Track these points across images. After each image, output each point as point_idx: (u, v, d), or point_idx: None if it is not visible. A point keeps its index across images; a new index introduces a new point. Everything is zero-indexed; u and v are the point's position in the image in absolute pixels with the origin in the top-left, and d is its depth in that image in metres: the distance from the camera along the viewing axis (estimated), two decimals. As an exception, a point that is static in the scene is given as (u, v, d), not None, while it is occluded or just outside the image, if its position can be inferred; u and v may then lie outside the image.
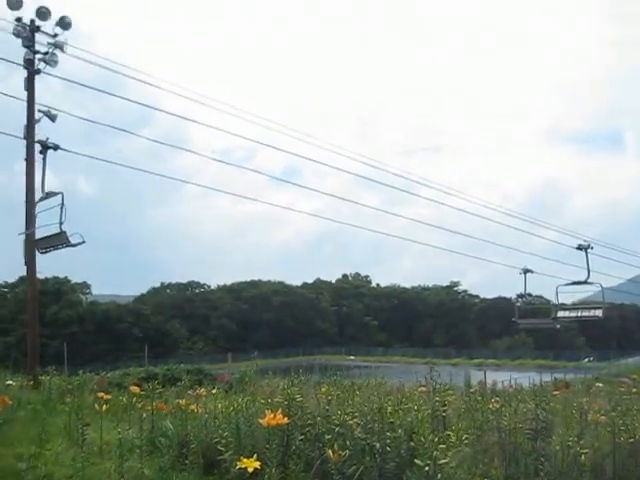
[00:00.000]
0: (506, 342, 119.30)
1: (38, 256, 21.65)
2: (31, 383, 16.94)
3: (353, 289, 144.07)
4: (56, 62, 22.31)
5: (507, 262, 39.10)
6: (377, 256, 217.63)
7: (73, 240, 20.75)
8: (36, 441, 7.92)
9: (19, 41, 21.92)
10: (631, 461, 6.74)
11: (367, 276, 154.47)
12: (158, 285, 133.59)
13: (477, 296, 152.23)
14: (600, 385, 19.32)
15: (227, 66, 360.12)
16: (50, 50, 22.26)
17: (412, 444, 5.70)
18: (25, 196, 21.37)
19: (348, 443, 6.08)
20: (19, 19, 22.03)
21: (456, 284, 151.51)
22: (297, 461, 6.03)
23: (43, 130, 22.06)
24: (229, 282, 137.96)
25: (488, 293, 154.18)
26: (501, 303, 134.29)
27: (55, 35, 22.49)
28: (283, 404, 6.75)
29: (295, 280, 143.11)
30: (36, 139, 21.63)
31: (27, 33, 21.87)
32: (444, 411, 7.22)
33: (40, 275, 23.70)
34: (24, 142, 21.67)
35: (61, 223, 20.58)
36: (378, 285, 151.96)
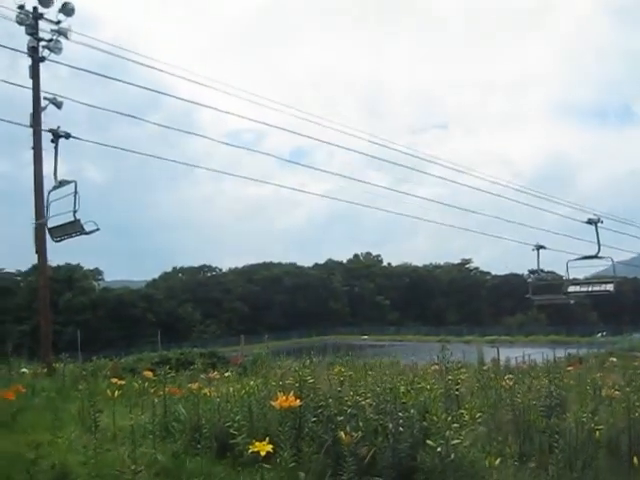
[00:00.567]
0: (519, 318, 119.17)
1: (51, 244, 21.68)
2: (45, 371, 16.97)
3: (364, 269, 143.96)
4: (60, 49, 22.21)
5: (518, 238, 38.94)
6: (388, 235, 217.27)
7: (87, 228, 20.77)
8: (50, 428, 7.96)
9: (23, 29, 21.82)
10: (646, 436, 6.71)
11: (378, 255, 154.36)
12: (170, 270, 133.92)
13: (489, 273, 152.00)
14: (614, 360, 19.26)
15: (230, 48, 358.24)
16: (54, 37, 22.15)
17: (425, 424, 5.68)
18: (33, 184, 21.34)
19: (360, 424, 6.06)
20: (22, 6, 21.91)
21: (468, 261, 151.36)
22: (310, 443, 6.01)
23: (49, 118, 22.00)
24: (241, 265, 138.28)
25: (500, 270, 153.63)
26: (513, 279, 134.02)
27: (58, 22, 22.38)
28: (295, 386, 6.73)
29: (306, 261, 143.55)
30: (43, 127, 21.60)
31: (30, 20, 21.76)
32: (457, 390, 7.19)
33: (52, 262, 23.71)
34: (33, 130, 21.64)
35: (75, 211, 20.61)
36: (389, 264, 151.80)
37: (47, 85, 22.49)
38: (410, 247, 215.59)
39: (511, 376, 9.97)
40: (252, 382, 7.53)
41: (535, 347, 56.10)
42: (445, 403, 6.69)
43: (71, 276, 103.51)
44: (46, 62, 22.23)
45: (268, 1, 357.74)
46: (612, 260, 35.04)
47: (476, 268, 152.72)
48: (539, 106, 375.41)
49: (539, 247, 35.38)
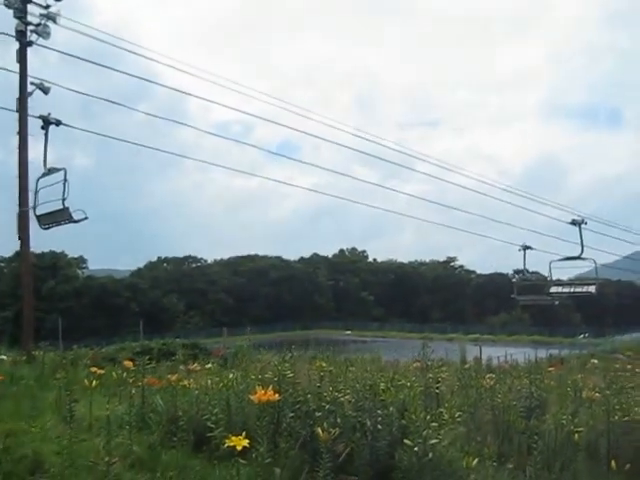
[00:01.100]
0: (502, 318, 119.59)
1: (35, 230, 21.52)
2: (24, 358, 16.84)
3: (350, 264, 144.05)
4: (49, 34, 21.97)
5: (503, 238, 39.05)
6: (374, 231, 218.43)
7: (76, 216, 20.69)
8: (26, 417, 7.87)
9: (11, 12, 21.57)
10: (625, 440, 6.69)
11: (364, 251, 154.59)
12: (155, 259, 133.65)
13: (474, 272, 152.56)
14: (595, 362, 19.33)
15: (221, 40, 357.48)
16: (42, 21, 21.92)
17: (404, 422, 5.63)
18: (18, 170, 21.14)
19: (339, 421, 6.01)
20: (10, -11, 21.66)
21: (453, 259, 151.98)
22: (287, 439, 5.96)
23: (36, 103, 21.80)
24: (226, 256, 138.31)
25: (484, 269, 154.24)
26: (497, 279, 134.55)
27: (47, 6, 22.14)
28: (274, 380, 6.67)
29: (292, 255, 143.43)
30: (32, 113, 21.43)
31: (18, 4, 21.50)
32: (437, 388, 7.15)
33: (36, 250, 23.58)
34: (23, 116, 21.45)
35: (64, 199, 20.51)
36: (375, 260, 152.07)
37: (37, 71, 22.30)
38: (396, 243, 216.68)
39: (492, 375, 9.95)
40: (231, 375, 7.46)
41: (517, 347, 56.26)
42: (425, 401, 6.65)
43: (55, 263, 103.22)
44: (36, 48, 22.02)
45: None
46: (594, 262, 35.18)
47: (461, 266, 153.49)
48: (529, 106, 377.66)
49: (526, 247, 35.48)
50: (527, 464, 5.96)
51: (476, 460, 5.20)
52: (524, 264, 37.57)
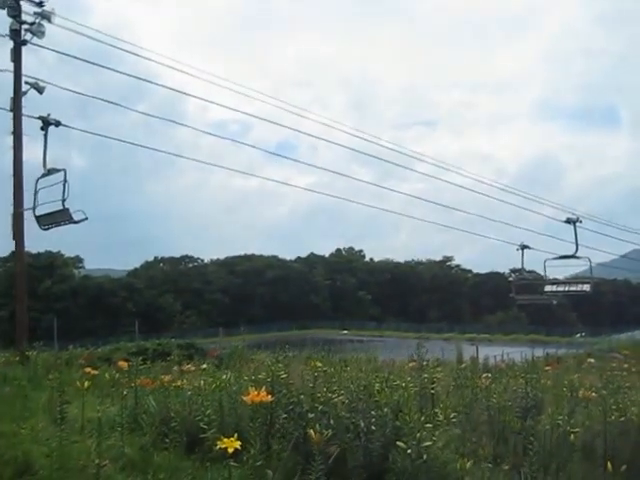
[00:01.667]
0: (499, 317, 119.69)
1: (31, 230, 21.46)
2: (17, 359, 16.76)
3: (346, 263, 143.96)
4: (43, 33, 21.87)
5: (501, 237, 39.01)
6: (371, 231, 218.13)
7: (76, 217, 20.66)
8: (18, 418, 7.80)
9: (5, 11, 21.47)
10: (622, 440, 6.63)
11: (361, 250, 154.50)
12: (151, 259, 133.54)
13: (470, 271, 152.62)
14: (592, 361, 19.27)
15: (218, 40, 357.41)
16: (37, 20, 21.82)
17: (398, 423, 5.57)
18: (13, 170, 21.05)
19: (332, 422, 5.95)
20: (4, -12, 21.56)
21: (449, 259, 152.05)
22: (280, 440, 5.89)
23: (31, 103, 21.73)
24: (223, 256, 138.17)
25: (481, 268, 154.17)
26: (494, 278, 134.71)
27: (42, 5, 22.04)
28: (267, 381, 6.60)
29: (289, 254, 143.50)
30: (27, 113, 21.36)
31: (12, 2, 21.41)
32: (432, 388, 7.09)
33: (32, 250, 23.55)
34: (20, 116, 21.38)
35: (64, 200, 20.47)
36: (371, 259, 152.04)
37: (34, 72, 22.22)
38: (392, 243, 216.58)
39: (489, 375, 9.90)
40: (224, 376, 7.39)
41: (514, 346, 56.21)
42: (420, 402, 6.59)
43: (51, 263, 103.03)
44: (33, 49, 21.94)
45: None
46: (589, 260, 35.11)
47: (457, 266, 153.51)
48: (525, 106, 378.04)
49: (524, 247, 35.38)
50: (523, 465, 5.91)
51: (471, 462, 5.14)
52: (522, 264, 37.51)
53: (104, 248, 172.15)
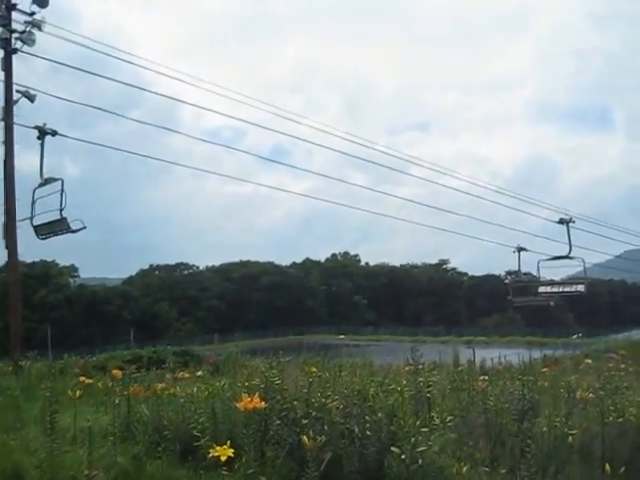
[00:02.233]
0: (495, 319, 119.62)
1: (25, 240, 21.41)
2: (10, 368, 16.67)
3: (342, 268, 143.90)
4: (33, 41, 21.80)
5: (496, 239, 38.99)
6: (366, 235, 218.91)
7: (74, 226, 20.60)
8: (10, 429, 7.71)
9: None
10: (620, 441, 6.55)
11: (356, 255, 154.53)
12: (147, 267, 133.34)
13: (466, 274, 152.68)
14: (589, 362, 19.22)
15: (212, 46, 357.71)
16: (27, 29, 21.74)
17: (393, 428, 5.49)
18: (4, 179, 20.99)
19: (326, 428, 5.87)
20: (-7, -3, 21.50)
21: (445, 262, 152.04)
22: (275, 447, 5.82)
23: (23, 112, 21.66)
24: (218, 263, 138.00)
25: (477, 270, 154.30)
26: (490, 280, 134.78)
27: (32, 13, 21.96)
28: (261, 387, 6.52)
29: (284, 260, 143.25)
30: (21, 122, 21.31)
31: (2, 11, 21.35)
32: (428, 392, 7.01)
33: (27, 259, 23.50)
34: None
35: (62, 209, 20.41)
36: (367, 264, 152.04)
37: (25, 80, 22.14)
38: (388, 247, 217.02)
39: (485, 377, 9.83)
40: (217, 383, 7.31)
41: (511, 348, 56.11)
42: (415, 406, 6.51)
43: (46, 272, 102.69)
44: (23, 57, 21.87)
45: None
46: (583, 261, 35.04)
47: (453, 269, 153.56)
48: (519, 108, 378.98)
49: (520, 249, 35.30)
50: (520, 468, 5.83)
51: (468, 466, 5.08)
52: (519, 266, 37.37)
53: (99, 257, 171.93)
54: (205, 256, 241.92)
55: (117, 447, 6.65)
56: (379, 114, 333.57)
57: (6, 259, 21.78)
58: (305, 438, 5.22)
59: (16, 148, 21.35)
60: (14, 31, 21.60)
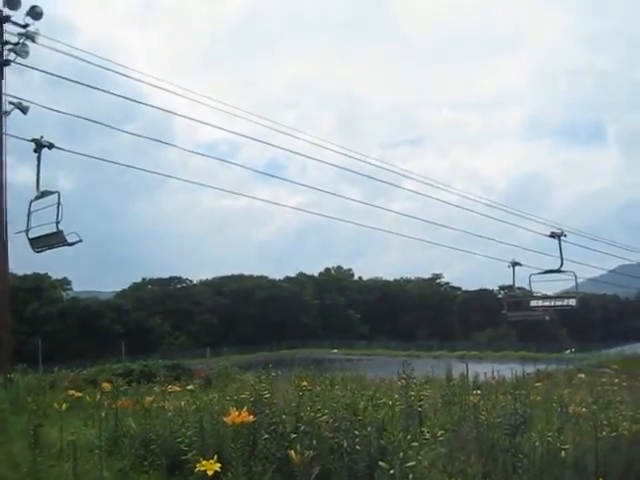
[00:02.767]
0: (489, 334, 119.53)
1: (16, 252, 21.29)
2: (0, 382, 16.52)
3: (335, 282, 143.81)
4: (27, 52, 21.77)
5: (490, 254, 38.92)
6: (360, 250, 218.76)
7: (70, 239, 20.49)
8: (-4, 442, 7.60)
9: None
10: (614, 456, 6.48)
11: (349, 269, 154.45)
12: (139, 281, 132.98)
13: (459, 288, 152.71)
14: (582, 376, 19.17)
15: (206, 61, 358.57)
16: (21, 41, 21.71)
17: (383, 442, 5.41)
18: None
19: (315, 442, 5.78)
20: (-14, 9, 21.47)
21: (438, 276, 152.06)
22: (263, 462, 5.72)
23: (15, 125, 21.61)
24: (211, 277, 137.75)
25: (470, 285, 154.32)
26: (483, 295, 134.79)
27: (26, 25, 21.93)
28: (250, 401, 6.43)
29: (278, 274, 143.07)
30: (16, 135, 21.26)
31: (-5, 24, 21.33)
32: (420, 406, 6.93)
33: (19, 272, 23.38)
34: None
35: (58, 222, 20.30)
36: (360, 278, 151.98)
37: (21, 93, 22.12)
38: (381, 261, 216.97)
39: (478, 392, 9.75)
40: (205, 396, 7.21)
41: (504, 363, 56.12)
42: (407, 420, 6.43)
43: (38, 285, 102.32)
44: (18, 70, 21.81)
45: (244, 15, 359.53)
46: (574, 275, 34.91)
47: (447, 283, 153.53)
48: (512, 125, 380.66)
49: (515, 264, 35.18)
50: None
51: (458, 481, 5.00)
52: (513, 281, 37.19)
53: (92, 270, 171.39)
54: (198, 270, 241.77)
55: (103, 461, 6.54)
56: (372, 130, 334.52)
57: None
58: (292, 453, 5.13)
59: (11, 161, 21.28)
60: (7, 43, 21.56)
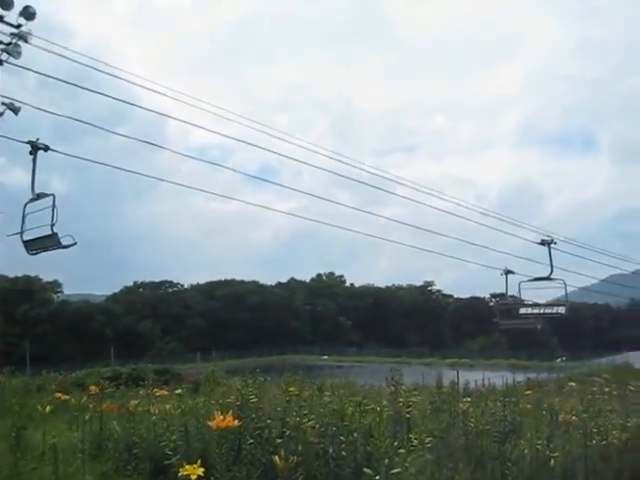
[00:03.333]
0: (480, 341, 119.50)
1: (6, 255, 21.14)
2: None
3: (327, 288, 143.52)
4: (19, 53, 21.54)
5: (481, 262, 38.82)
6: (352, 256, 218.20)
7: (64, 242, 20.39)
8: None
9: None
10: (603, 465, 6.40)
11: (341, 276, 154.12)
12: (131, 284, 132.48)
13: (451, 296, 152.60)
14: (573, 385, 19.13)
15: (200, 66, 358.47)
16: (13, 41, 21.60)
17: (369, 449, 5.33)
18: (-14, 193, 20.76)
19: (300, 448, 5.69)
20: (-23, 8, 21.33)
21: (430, 284, 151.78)
22: (248, 467, 5.64)
23: (7, 124, 21.44)
24: (203, 281, 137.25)
25: (462, 293, 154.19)
26: (475, 303, 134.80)
27: (19, 25, 21.81)
28: (236, 405, 6.34)
29: (269, 280, 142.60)
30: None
31: (-15, 23, 21.19)
32: (408, 413, 6.86)
33: (10, 274, 23.23)
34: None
35: (52, 225, 20.20)
36: (352, 285, 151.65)
37: (14, 94, 21.94)
38: (373, 268, 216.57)
39: (468, 399, 9.68)
40: (190, 400, 7.12)
41: (495, 371, 55.99)
42: (394, 427, 6.35)
43: (29, 288, 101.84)
44: (15, 72, 21.64)
45: (239, 20, 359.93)
46: (564, 282, 34.77)
47: (438, 290, 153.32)
48: (506, 133, 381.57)
49: (507, 272, 35.02)
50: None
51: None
52: (506, 289, 36.95)
53: (83, 273, 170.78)
54: (190, 274, 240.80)
55: (86, 465, 6.44)
56: (365, 136, 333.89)
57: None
58: (277, 458, 5.04)
59: (4, 162, 21.13)
60: (-1, 42, 21.42)
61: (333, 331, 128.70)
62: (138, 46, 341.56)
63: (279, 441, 5.84)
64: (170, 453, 5.65)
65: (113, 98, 24.86)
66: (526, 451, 6.14)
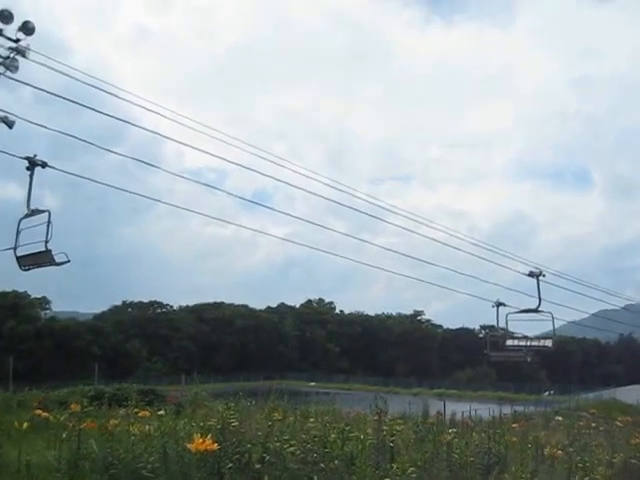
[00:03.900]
0: (468, 373, 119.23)
1: (1, 268, 21.04)
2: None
3: (316, 315, 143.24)
4: (17, 67, 21.57)
5: (471, 292, 38.74)
6: (342, 283, 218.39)
7: (58, 259, 20.25)
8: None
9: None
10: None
11: (331, 302, 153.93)
12: (120, 304, 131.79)
13: (440, 326, 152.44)
14: (559, 419, 19.03)
15: (197, 91, 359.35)
16: (11, 55, 21.59)
17: (354, 478, 5.22)
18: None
19: (281, 474, 5.57)
20: (-24, 22, 21.34)
21: (419, 313, 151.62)
22: (226, 491, 5.52)
23: (1, 138, 21.39)
24: (192, 303, 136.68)
25: (451, 323, 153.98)
26: (464, 334, 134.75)
27: (17, 40, 21.81)
28: (217, 428, 6.21)
29: (259, 304, 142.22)
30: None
31: (-17, 38, 21.20)
32: (392, 441, 6.75)
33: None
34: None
35: (47, 241, 20.08)
36: (342, 312, 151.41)
37: (11, 109, 21.93)
38: (363, 296, 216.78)
39: (454, 430, 9.58)
40: (171, 422, 6.99)
41: (482, 403, 55.83)
42: (377, 455, 6.23)
43: (17, 303, 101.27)
44: (12, 88, 21.62)
45: (237, 46, 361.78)
46: (552, 315, 34.65)
47: (428, 320, 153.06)
48: (499, 166, 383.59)
49: (499, 304, 34.90)
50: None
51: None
52: (497, 321, 36.90)
53: (72, 290, 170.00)
54: (179, 296, 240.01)
55: (62, 485, 6.30)
56: (360, 165, 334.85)
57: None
58: (256, 484, 4.93)
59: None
60: (-3, 56, 21.40)
61: (321, 357, 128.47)
62: (135, 70, 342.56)
63: (258, 466, 5.72)
64: (148, 475, 5.51)
65: (110, 116, 24.90)
66: (510, 485, 6.04)
